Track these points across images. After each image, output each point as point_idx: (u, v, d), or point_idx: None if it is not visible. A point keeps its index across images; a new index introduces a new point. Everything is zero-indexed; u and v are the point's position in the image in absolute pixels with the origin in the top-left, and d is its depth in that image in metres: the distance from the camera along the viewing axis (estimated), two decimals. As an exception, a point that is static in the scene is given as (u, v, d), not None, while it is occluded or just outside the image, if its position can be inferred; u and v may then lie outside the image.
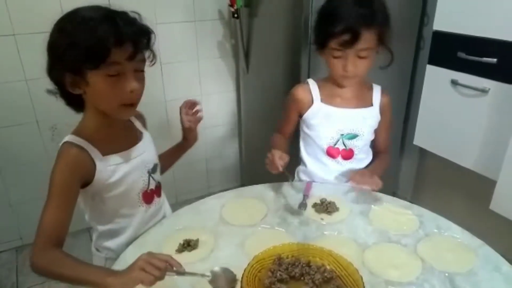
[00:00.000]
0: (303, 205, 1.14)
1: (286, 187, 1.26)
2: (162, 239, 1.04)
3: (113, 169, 1.00)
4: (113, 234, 1.10)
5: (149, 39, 0.92)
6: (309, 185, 1.24)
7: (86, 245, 2.21)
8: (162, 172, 1.19)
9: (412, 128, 1.95)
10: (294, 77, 1.85)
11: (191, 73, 2.36)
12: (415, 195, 2.38)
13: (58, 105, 2.18)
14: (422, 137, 1.88)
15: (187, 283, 0.88)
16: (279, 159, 1.11)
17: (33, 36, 1.91)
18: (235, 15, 2.11)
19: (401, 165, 2.43)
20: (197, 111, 1.21)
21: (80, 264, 0.86)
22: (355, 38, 1.08)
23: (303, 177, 1.39)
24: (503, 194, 1.44)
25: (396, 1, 1.93)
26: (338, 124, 1.27)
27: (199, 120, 1.22)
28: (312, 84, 1.30)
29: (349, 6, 1.10)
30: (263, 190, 1.27)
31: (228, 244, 1.01)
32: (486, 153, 1.58)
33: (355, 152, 1.30)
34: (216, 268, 0.89)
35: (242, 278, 0.84)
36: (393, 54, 1.21)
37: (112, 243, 1.10)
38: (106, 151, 0.99)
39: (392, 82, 2.09)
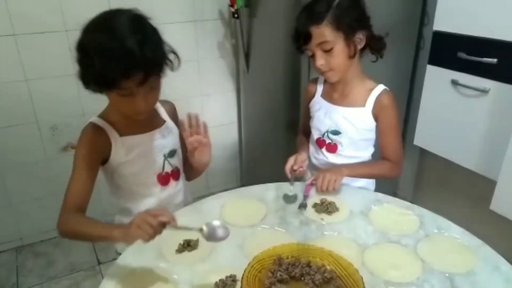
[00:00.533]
0: (303, 205, 1.17)
1: (286, 187, 1.26)
2: (162, 239, 1.03)
3: (127, 149, 1.09)
4: (128, 212, 1.18)
5: (161, 67, 0.96)
6: (309, 186, 1.25)
7: (86, 245, 2.23)
8: (190, 178, 1.29)
9: (412, 128, 1.95)
10: (294, 77, 1.85)
11: (191, 73, 2.36)
12: (415, 195, 2.38)
13: (58, 105, 2.20)
14: (422, 137, 1.88)
15: (187, 278, 0.89)
16: (294, 165, 1.27)
17: (33, 37, 1.91)
18: (235, 15, 2.11)
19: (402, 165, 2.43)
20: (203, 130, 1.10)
21: (95, 222, 0.97)
22: (306, 37, 1.20)
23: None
24: (503, 194, 1.44)
25: (397, 1, 1.93)
26: (326, 119, 1.35)
27: (204, 143, 1.10)
28: (321, 78, 1.40)
29: (305, 9, 1.23)
30: (263, 190, 1.27)
31: (228, 244, 1.00)
32: (486, 153, 1.57)
33: (339, 147, 1.35)
34: (210, 222, 0.91)
35: (242, 278, 0.84)
36: (384, 44, 1.27)
37: (127, 220, 1.10)
38: (123, 133, 1.09)
39: (392, 82, 2.09)
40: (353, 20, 1.20)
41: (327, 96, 1.37)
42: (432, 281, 0.90)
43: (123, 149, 1.09)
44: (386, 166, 1.32)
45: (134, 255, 0.98)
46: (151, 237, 0.84)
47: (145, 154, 1.13)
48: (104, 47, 0.90)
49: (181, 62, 1.01)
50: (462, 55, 1.56)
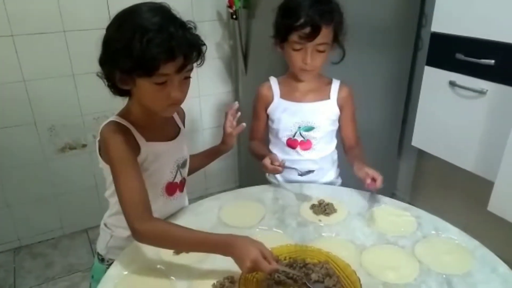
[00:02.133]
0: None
1: (283, 189, 1.26)
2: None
3: (153, 156, 1.04)
4: (122, 220, 1.08)
5: (199, 52, 0.94)
6: (373, 184, 1.17)
7: (84, 246, 2.23)
8: (191, 172, 1.22)
9: (410, 129, 1.95)
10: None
11: (189, 73, 2.36)
12: (413, 196, 2.38)
13: (56, 106, 2.20)
14: (420, 138, 1.88)
15: (184, 279, 0.89)
16: (274, 161, 1.19)
17: (31, 37, 1.91)
18: (234, 16, 2.12)
19: (400, 166, 2.43)
20: (239, 119, 1.26)
21: (191, 230, 0.91)
22: (315, 32, 1.17)
23: None
24: (500, 195, 1.45)
25: (395, 2, 1.93)
26: (295, 118, 1.34)
27: (241, 129, 1.26)
28: (273, 81, 1.39)
29: (311, 3, 1.18)
30: (261, 191, 1.27)
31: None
32: (484, 154, 1.58)
33: (313, 143, 1.36)
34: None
35: (240, 280, 0.84)
36: (345, 52, 1.29)
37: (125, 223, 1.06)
38: (149, 138, 1.03)
39: (390, 83, 2.10)
40: (342, 29, 1.24)
41: (288, 96, 1.36)
42: (430, 282, 0.90)
43: (148, 155, 1.02)
44: (361, 149, 1.37)
45: (131, 256, 0.98)
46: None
47: (165, 163, 1.09)
48: (146, 30, 0.85)
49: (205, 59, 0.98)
50: (460, 56, 1.56)
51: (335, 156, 1.45)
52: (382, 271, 0.93)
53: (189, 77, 0.97)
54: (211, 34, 2.34)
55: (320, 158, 1.38)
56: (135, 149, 0.99)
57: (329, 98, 1.35)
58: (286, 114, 1.35)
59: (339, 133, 1.41)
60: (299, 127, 1.34)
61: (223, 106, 2.57)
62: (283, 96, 1.36)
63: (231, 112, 1.26)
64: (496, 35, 1.44)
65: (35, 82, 1.99)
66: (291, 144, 1.37)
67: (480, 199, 1.55)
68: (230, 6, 2.08)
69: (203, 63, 0.98)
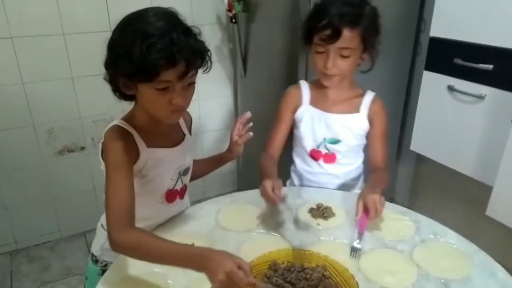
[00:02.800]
0: (355, 250, 0.99)
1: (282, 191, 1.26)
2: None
3: (152, 162, 1.02)
4: None
5: (203, 59, 0.93)
6: (364, 219, 1.05)
7: (82, 249, 2.22)
8: (194, 178, 1.21)
9: (409, 134, 1.95)
10: (291, 82, 1.84)
11: (188, 77, 2.36)
12: (412, 201, 2.38)
13: (55, 108, 2.19)
14: (418, 143, 1.89)
15: (182, 283, 0.88)
16: (275, 189, 1.04)
17: (30, 39, 1.91)
18: (233, 20, 2.12)
19: (398, 171, 2.43)
20: (248, 128, 1.23)
21: (170, 244, 0.87)
22: (335, 35, 1.11)
23: (294, 176, 1.41)
24: (499, 200, 1.45)
25: (393, 8, 1.94)
26: (321, 128, 1.28)
27: (247, 138, 1.23)
28: (304, 85, 1.32)
29: (339, 4, 1.13)
30: (259, 195, 1.26)
31: (223, 249, 0.99)
32: (482, 159, 1.58)
33: (338, 156, 1.30)
34: None
35: None
36: (374, 62, 1.22)
37: None
38: (149, 144, 1.01)
39: (389, 88, 2.11)
40: (373, 36, 1.17)
41: (317, 104, 1.29)
42: (428, 286, 0.89)
43: (148, 161, 1.01)
44: (385, 176, 1.28)
45: (128, 260, 0.98)
46: None
47: (166, 170, 1.08)
48: (147, 35, 0.84)
49: (212, 64, 0.97)
50: (459, 61, 1.56)
51: (360, 170, 1.37)
52: (381, 275, 0.92)
53: (193, 83, 0.95)
54: (210, 37, 2.32)
55: (343, 173, 1.32)
56: (134, 154, 0.98)
57: (358, 111, 1.27)
58: (313, 122, 1.29)
59: (367, 150, 1.33)
60: (324, 139, 1.28)
61: (222, 109, 2.57)
62: (312, 102, 1.30)
63: (241, 120, 1.23)
64: (494, 40, 1.45)
65: (34, 85, 1.99)
66: (314, 155, 1.31)
67: (479, 204, 1.55)
68: (229, 10, 2.09)
69: (210, 69, 0.97)
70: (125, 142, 0.95)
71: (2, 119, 1.99)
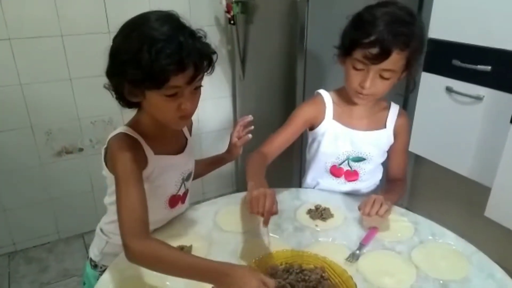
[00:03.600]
0: (354, 256, 0.98)
1: (280, 193, 1.26)
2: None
3: (160, 169, 1.01)
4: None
5: (210, 61, 0.92)
6: (373, 230, 1.06)
7: (80, 251, 2.21)
8: (192, 179, 1.20)
9: (407, 135, 1.95)
10: (290, 84, 1.86)
11: (187, 78, 2.36)
12: (410, 202, 2.38)
13: (53, 110, 2.19)
14: (417, 144, 1.88)
15: (180, 285, 0.88)
16: (268, 202, 0.88)
17: (29, 41, 1.91)
18: (232, 22, 2.12)
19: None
20: (248, 131, 1.24)
21: (189, 257, 0.85)
22: (384, 55, 0.99)
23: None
24: (497, 201, 1.45)
25: (392, 8, 1.94)
26: (346, 145, 1.20)
27: (246, 140, 1.24)
28: (327, 97, 1.21)
29: (389, 20, 1.00)
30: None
31: (222, 250, 1.00)
32: (480, 160, 1.58)
33: (360, 174, 1.25)
34: None
35: None
36: (415, 84, 1.14)
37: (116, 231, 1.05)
38: (157, 151, 1.00)
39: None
40: (419, 57, 1.08)
41: (340, 119, 1.20)
42: (426, 288, 0.90)
43: (155, 168, 1.00)
44: (403, 185, 1.26)
45: (127, 262, 0.97)
46: None
47: (171, 177, 1.07)
48: (155, 40, 0.82)
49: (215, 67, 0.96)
50: (457, 62, 1.57)
51: (378, 180, 1.32)
52: (379, 276, 0.92)
53: (200, 87, 0.94)
54: (209, 39, 2.34)
55: (363, 188, 1.28)
56: (143, 162, 0.96)
57: (385, 126, 1.21)
58: (336, 139, 1.20)
59: (386, 161, 1.28)
60: (348, 157, 1.21)
61: (221, 111, 2.57)
62: (336, 117, 1.19)
63: (241, 123, 1.23)
64: (492, 41, 1.45)
65: (32, 86, 1.99)
66: (335, 172, 1.24)
67: (477, 205, 1.55)
68: (228, 12, 2.09)
69: (213, 71, 0.96)
70: (134, 151, 0.93)
71: (0, 120, 1.99)
